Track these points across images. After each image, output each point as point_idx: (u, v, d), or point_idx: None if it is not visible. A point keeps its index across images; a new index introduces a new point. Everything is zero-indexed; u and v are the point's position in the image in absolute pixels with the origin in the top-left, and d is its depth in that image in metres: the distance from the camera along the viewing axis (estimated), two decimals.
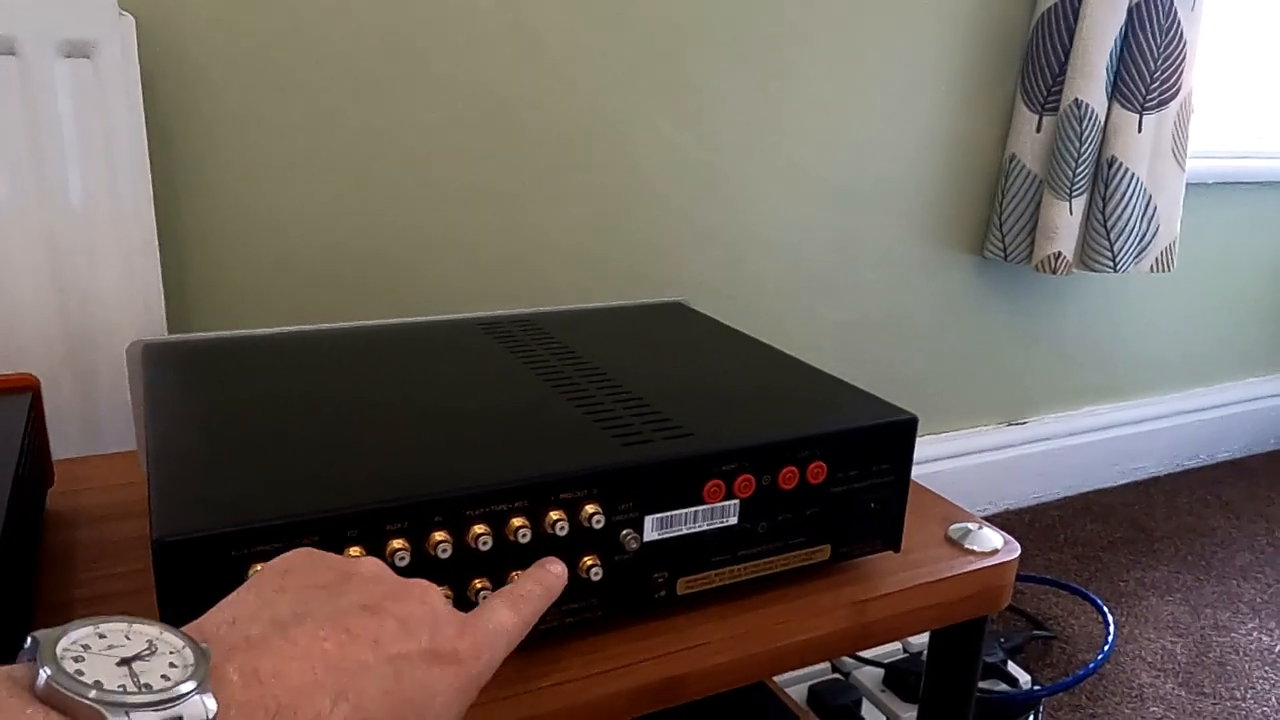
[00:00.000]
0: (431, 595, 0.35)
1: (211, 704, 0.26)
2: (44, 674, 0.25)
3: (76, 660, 0.26)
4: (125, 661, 0.26)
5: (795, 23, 1.14)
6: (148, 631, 0.28)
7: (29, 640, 0.26)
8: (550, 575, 0.43)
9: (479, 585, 0.44)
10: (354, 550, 0.41)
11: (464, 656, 0.34)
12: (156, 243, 0.79)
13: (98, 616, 0.28)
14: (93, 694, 0.25)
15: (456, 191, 1.00)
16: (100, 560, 0.55)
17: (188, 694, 0.26)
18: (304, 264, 0.95)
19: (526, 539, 0.45)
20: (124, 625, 0.28)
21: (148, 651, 0.27)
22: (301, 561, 0.35)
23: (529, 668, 0.47)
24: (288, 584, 0.33)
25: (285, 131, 0.91)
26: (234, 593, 0.33)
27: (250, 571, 0.39)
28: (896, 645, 1.07)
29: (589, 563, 0.47)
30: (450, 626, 0.35)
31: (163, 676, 0.26)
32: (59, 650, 0.26)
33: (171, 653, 0.27)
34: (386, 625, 0.32)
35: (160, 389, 0.54)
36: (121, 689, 0.25)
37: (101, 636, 0.27)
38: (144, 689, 0.26)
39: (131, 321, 0.79)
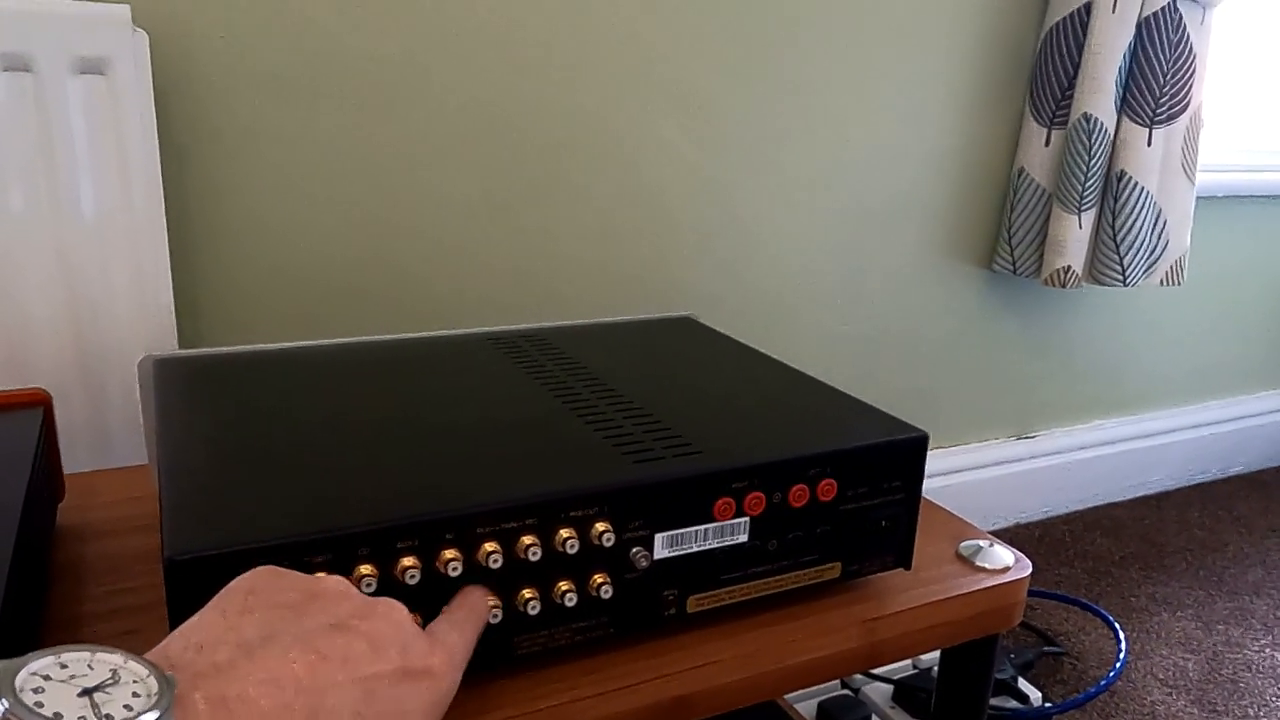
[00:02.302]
0: (397, 612, 0.35)
1: None
2: (1, 706, 0.24)
3: (36, 692, 0.25)
4: (87, 692, 0.26)
5: (803, 37, 1.14)
6: (111, 660, 0.28)
7: None
8: (474, 597, 0.43)
9: (490, 603, 0.44)
10: (365, 568, 0.41)
11: (437, 672, 0.34)
12: (168, 257, 0.80)
13: (60, 646, 0.28)
14: None
15: (466, 203, 1.01)
16: (111, 575, 0.55)
17: None
18: (316, 277, 0.95)
19: (537, 557, 0.45)
20: (86, 654, 0.28)
21: (110, 681, 0.27)
22: (265, 580, 0.34)
23: (538, 686, 0.47)
24: (253, 604, 0.33)
25: (297, 145, 0.91)
26: (198, 615, 0.32)
27: None
28: (906, 661, 1.07)
29: (599, 580, 0.47)
30: (420, 642, 0.35)
31: (125, 706, 0.26)
32: (18, 682, 0.25)
33: (135, 681, 0.27)
34: (355, 644, 0.32)
35: (171, 404, 0.54)
36: None
37: (63, 666, 0.27)
38: (105, 719, 0.25)
39: (143, 336, 0.79)
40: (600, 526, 0.46)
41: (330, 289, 0.96)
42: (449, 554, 0.43)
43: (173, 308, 0.81)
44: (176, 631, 0.31)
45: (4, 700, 0.25)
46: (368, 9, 0.90)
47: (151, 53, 0.78)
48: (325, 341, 0.67)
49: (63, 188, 0.74)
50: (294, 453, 0.48)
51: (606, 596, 0.47)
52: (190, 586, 0.38)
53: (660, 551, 0.48)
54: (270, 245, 0.92)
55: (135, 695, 0.26)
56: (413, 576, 0.42)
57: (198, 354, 0.62)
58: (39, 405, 0.59)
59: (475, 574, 0.44)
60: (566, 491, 0.45)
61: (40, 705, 0.25)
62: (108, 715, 0.25)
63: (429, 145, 0.97)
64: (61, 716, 0.25)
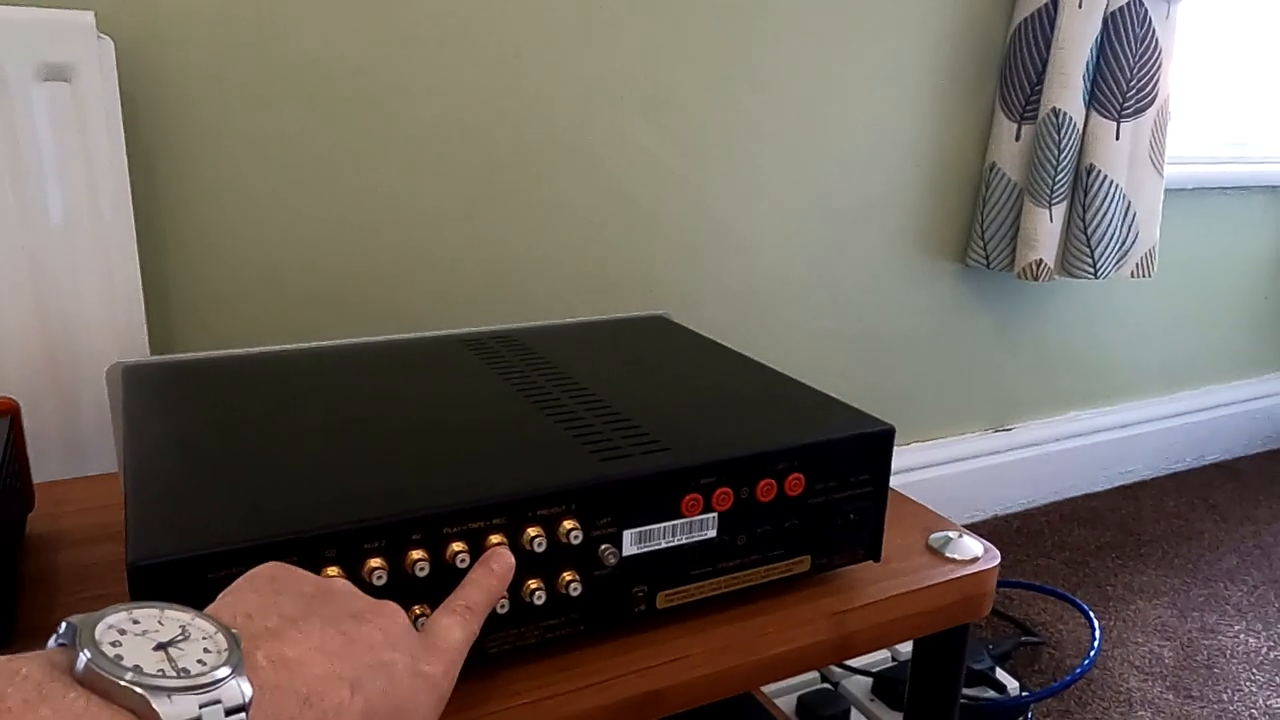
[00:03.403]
0: (400, 617, 0.36)
1: (247, 688, 0.27)
2: (84, 657, 0.25)
3: (114, 645, 0.26)
4: (162, 646, 0.27)
5: (774, 36, 1.15)
6: (180, 617, 0.28)
7: (63, 626, 0.27)
8: (494, 575, 0.43)
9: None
10: (331, 570, 0.42)
11: (436, 677, 0.35)
12: (138, 264, 0.80)
13: (133, 602, 0.29)
14: (132, 677, 0.25)
15: (437, 207, 1.01)
16: (82, 583, 0.55)
17: (225, 678, 0.26)
18: (287, 282, 0.95)
19: None
20: (156, 610, 0.28)
21: (181, 637, 0.28)
22: (282, 572, 0.35)
23: (510, 684, 0.47)
24: (279, 589, 0.34)
25: (266, 150, 0.91)
26: (230, 591, 0.33)
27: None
28: (885, 654, 1.07)
29: (568, 578, 0.47)
30: (419, 647, 0.36)
31: (199, 661, 0.27)
32: (97, 634, 0.26)
33: (205, 638, 0.28)
34: (374, 634, 0.33)
35: (139, 411, 0.54)
36: (160, 673, 0.26)
37: (135, 622, 0.28)
38: (182, 673, 0.26)
39: (113, 343, 0.79)
40: (568, 524, 0.46)
41: (303, 294, 0.96)
42: (416, 555, 0.43)
43: (144, 315, 0.80)
44: (219, 602, 0.32)
45: (86, 651, 0.25)
46: (337, 14, 0.90)
47: (117, 59, 0.78)
48: (295, 346, 0.67)
49: (29, 196, 0.74)
50: (261, 456, 0.48)
51: (576, 594, 0.47)
52: (154, 592, 0.38)
53: (629, 548, 0.49)
54: (241, 251, 0.92)
55: (206, 651, 0.27)
56: (380, 578, 0.42)
57: (167, 360, 0.62)
58: (7, 414, 0.58)
59: (443, 574, 0.44)
60: (533, 490, 0.46)
61: (120, 658, 0.26)
62: (184, 669, 0.26)
63: (400, 149, 0.97)
64: (140, 668, 0.26)
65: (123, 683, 0.25)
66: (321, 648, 0.30)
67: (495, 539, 0.45)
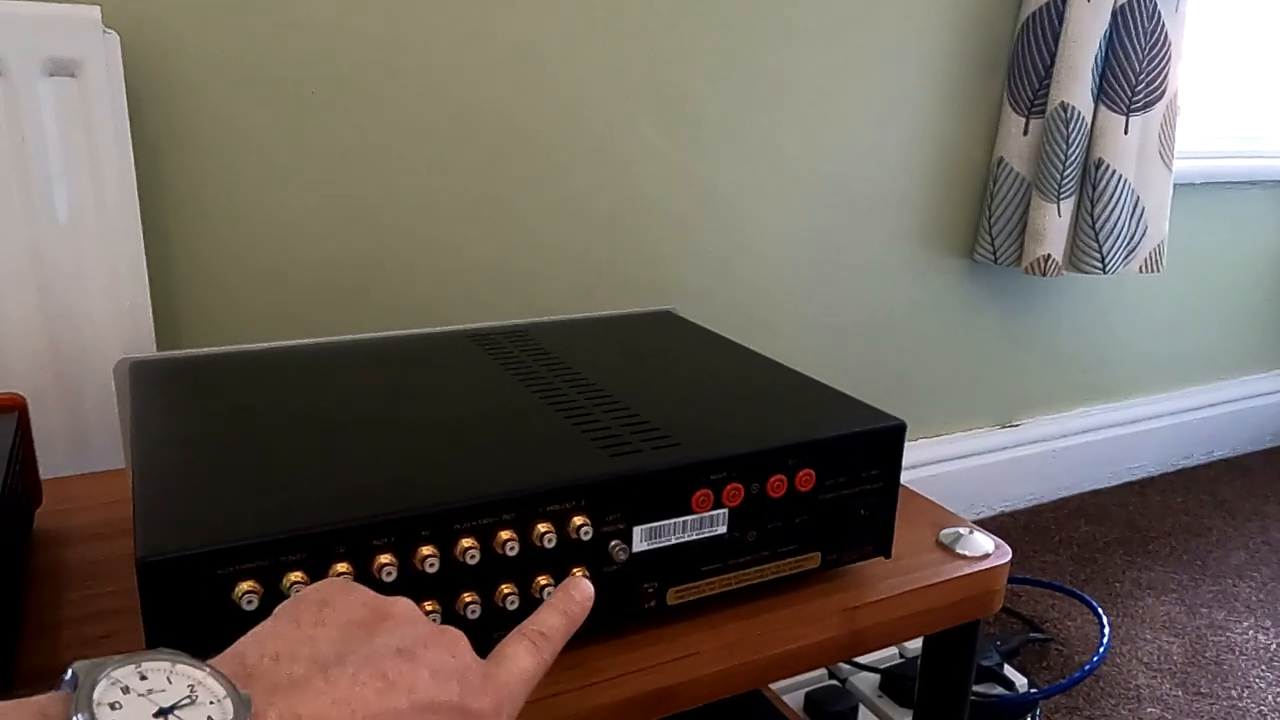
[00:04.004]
0: (460, 645, 0.34)
1: None
2: None
3: (114, 708, 0.25)
4: (163, 713, 0.26)
5: (782, 29, 1.14)
6: (191, 675, 0.27)
7: (69, 673, 0.26)
8: (574, 603, 0.41)
9: (468, 599, 0.44)
10: (341, 566, 0.41)
11: (486, 713, 0.34)
12: (144, 259, 0.79)
13: (142, 652, 0.27)
14: None
15: (444, 201, 1.00)
16: (89, 580, 0.55)
17: None
18: (294, 276, 0.95)
19: (514, 552, 0.45)
20: (166, 665, 0.27)
21: (187, 700, 0.26)
22: (338, 594, 0.34)
23: None
24: (326, 617, 0.32)
25: (272, 144, 0.91)
26: (272, 619, 0.32)
27: (239, 591, 0.39)
28: (893, 651, 1.07)
29: (578, 574, 0.47)
30: (476, 679, 0.34)
31: None
32: (96, 695, 0.25)
33: (212, 702, 0.27)
34: (420, 673, 0.32)
35: (147, 406, 0.54)
36: None
37: (143, 678, 0.27)
38: None
39: (120, 339, 0.79)
40: (578, 520, 0.46)
41: (310, 289, 0.96)
42: (426, 551, 0.43)
43: (150, 310, 0.80)
44: (251, 635, 0.31)
45: (81, 714, 0.24)
46: (343, 8, 0.90)
47: (123, 53, 0.77)
48: (303, 341, 0.67)
49: (35, 191, 0.74)
50: (270, 452, 0.48)
51: None
52: (163, 588, 0.38)
53: (639, 544, 0.48)
54: (247, 246, 0.92)
55: (210, 719, 0.26)
56: (389, 574, 0.42)
57: (174, 356, 0.62)
58: (14, 410, 0.58)
59: (453, 570, 0.44)
60: (543, 486, 0.45)
61: None
62: None
63: (407, 144, 0.97)
64: None
65: None
66: (346, 700, 0.29)
67: (505, 535, 0.44)
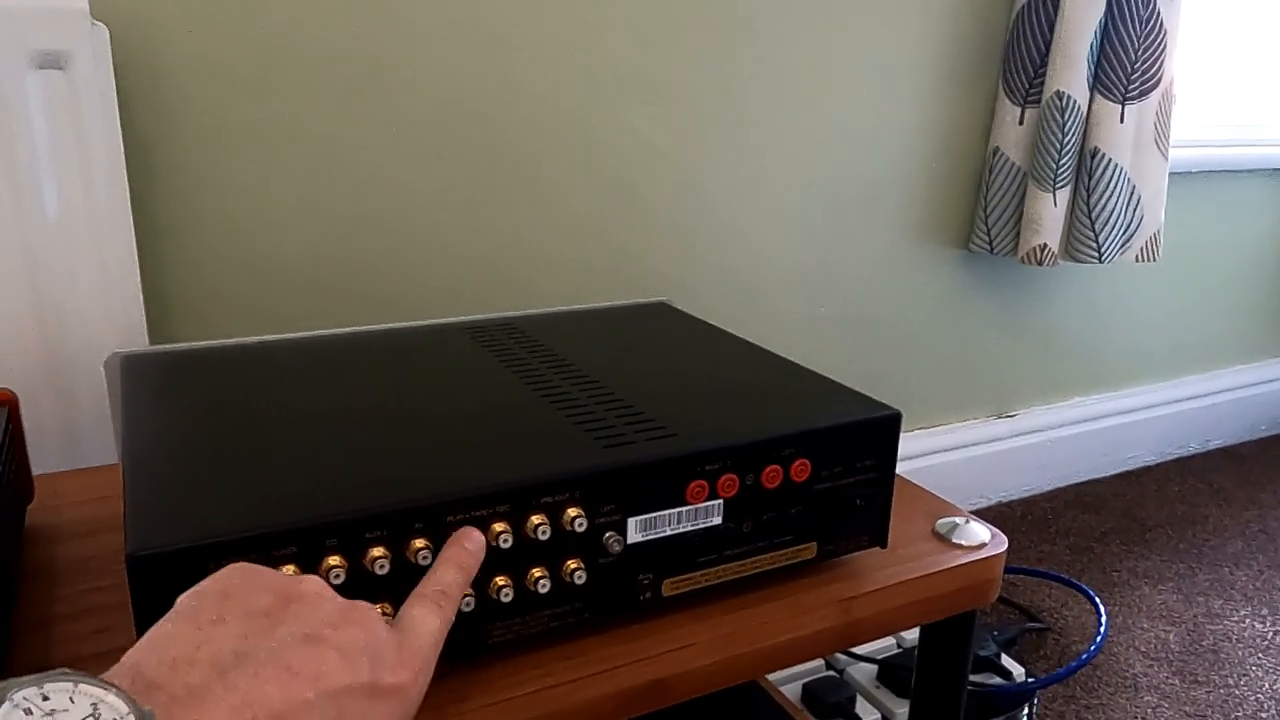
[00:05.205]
0: (370, 619, 0.35)
1: None
2: None
3: None
4: None
5: (771, 21, 1.14)
6: (93, 694, 0.27)
7: None
8: (468, 554, 0.42)
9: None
10: (333, 559, 0.41)
11: (405, 686, 0.34)
12: (135, 253, 0.79)
13: (43, 674, 0.27)
14: None
15: (437, 196, 1.00)
16: (81, 576, 0.55)
17: None
18: (285, 271, 0.94)
19: (508, 544, 0.44)
20: (69, 685, 0.27)
21: (90, 718, 0.26)
22: (239, 582, 0.34)
23: (514, 674, 0.47)
24: (226, 611, 0.32)
25: (263, 139, 0.90)
26: (170, 619, 0.32)
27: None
28: (890, 641, 1.07)
29: (572, 566, 0.47)
30: (389, 653, 0.34)
31: None
32: (1, 717, 0.25)
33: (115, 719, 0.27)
34: (328, 657, 0.32)
35: (137, 401, 0.53)
36: None
37: (45, 699, 0.26)
38: None
39: (111, 334, 0.78)
40: (572, 512, 0.46)
41: (301, 283, 0.95)
42: (419, 543, 0.42)
43: (142, 305, 0.80)
44: (148, 639, 0.31)
45: None
46: (332, 2, 0.90)
47: (112, 46, 0.77)
48: (295, 335, 0.66)
49: (24, 186, 0.73)
50: (261, 446, 0.48)
51: (580, 582, 0.47)
52: (153, 583, 0.38)
53: (634, 536, 0.48)
54: (239, 240, 0.91)
55: None
56: (382, 567, 0.42)
57: (164, 350, 0.62)
58: (4, 405, 0.58)
59: None
60: (537, 477, 0.45)
61: None
62: None
63: (397, 138, 0.96)
64: None
65: None
66: (248, 702, 0.29)
67: (499, 527, 0.44)
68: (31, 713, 0.26)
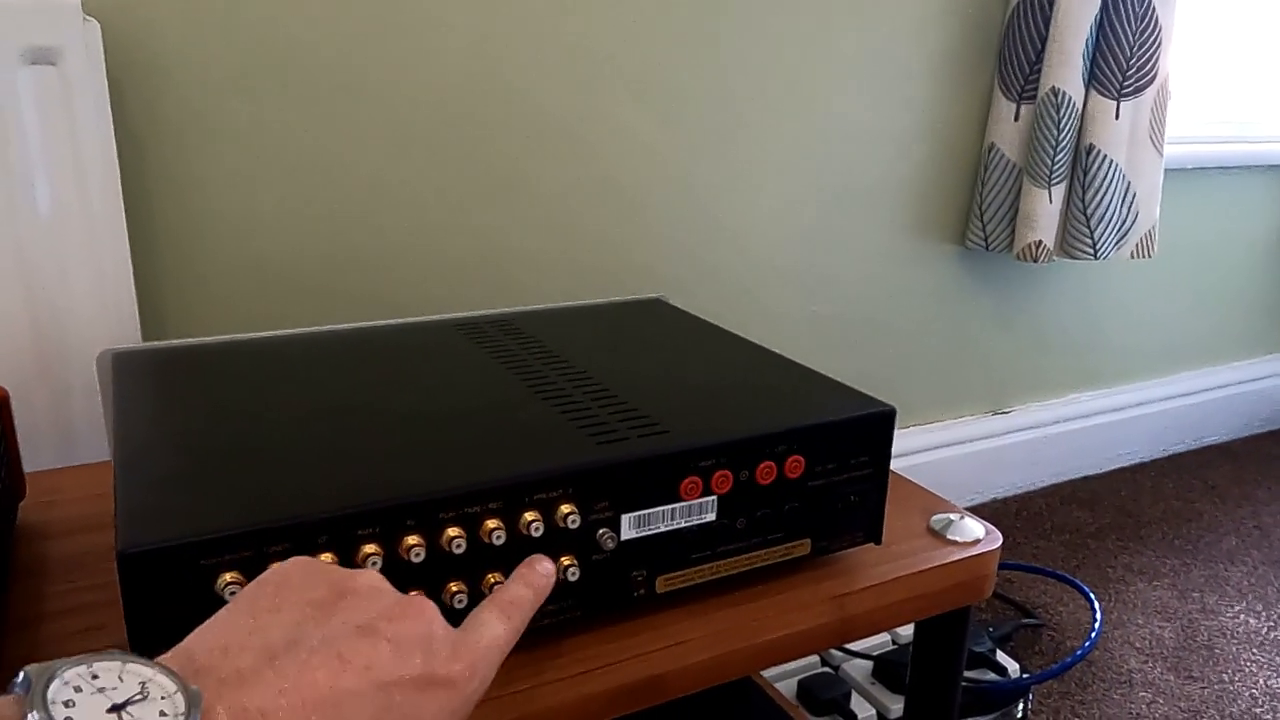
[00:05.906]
0: (428, 612, 0.34)
1: None
2: (32, 718, 0.24)
3: (67, 705, 0.25)
4: (116, 708, 0.26)
5: (763, 16, 1.14)
6: (141, 673, 0.27)
7: (21, 675, 0.26)
8: (538, 575, 0.42)
9: (454, 589, 0.44)
10: (325, 556, 0.41)
11: (457, 679, 0.34)
12: (128, 250, 0.79)
13: (92, 653, 0.28)
14: None
15: (430, 195, 1.00)
16: (72, 573, 0.55)
17: None
18: (278, 268, 0.94)
19: (501, 541, 0.44)
20: (117, 665, 0.27)
21: (139, 695, 0.27)
22: (298, 573, 0.34)
23: (507, 671, 0.46)
24: (282, 601, 0.33)
25: (256, 136, 0.90)
26: (227, 609, 0.32)
27: (221, 582, 0.39)
28: (885, 637, 1.07)
29: (566, 563, 0.46)
30: (444, 648, 0.34)
31: None
32: (50, 694, 0.25)
33: (163, 698, 0.27)
34: (380, 649, 0.32)
35: (129, 398, 0.53)
36: None
37: (94, 677, 0.27)
38: None
39: (104, 331, 0.78)
40: (565, 509, 0.46)
41: (293, 280, 0.95)
42: (411, 540, 0.42)
43: (135, 303, 0.80)
44: (202, 628, 0.31)
45: (35, 713, 0.24)
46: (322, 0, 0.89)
47: (104, 42, 0.77)
48: (287, 332, 0.66)
49: (16, 182, 0.73)
50: (253, 443, 0.48)
51: (574, 579, 0.47)
52: (144, 580, 0.38)
53: (627, 532, 0.48)
54: (232, 236, 0.91)
55: (163, 714, 0.26)
56: (374, 564, 0.41)
57: (157, 347, 0.61)
58: None
59: (439, 560, 0.43)
60: (530, 474, 0.45)
61: None
62: None
63: (388, 136, 0.96)
64: None
65: None
66: (295, 687, 0.29)
67: (492, 524, 0.44)
68: (81, 690, 0.26)
